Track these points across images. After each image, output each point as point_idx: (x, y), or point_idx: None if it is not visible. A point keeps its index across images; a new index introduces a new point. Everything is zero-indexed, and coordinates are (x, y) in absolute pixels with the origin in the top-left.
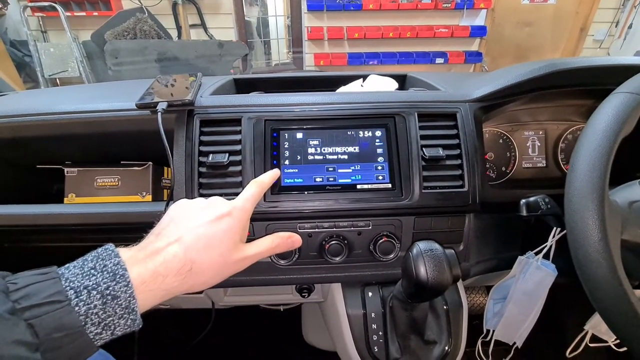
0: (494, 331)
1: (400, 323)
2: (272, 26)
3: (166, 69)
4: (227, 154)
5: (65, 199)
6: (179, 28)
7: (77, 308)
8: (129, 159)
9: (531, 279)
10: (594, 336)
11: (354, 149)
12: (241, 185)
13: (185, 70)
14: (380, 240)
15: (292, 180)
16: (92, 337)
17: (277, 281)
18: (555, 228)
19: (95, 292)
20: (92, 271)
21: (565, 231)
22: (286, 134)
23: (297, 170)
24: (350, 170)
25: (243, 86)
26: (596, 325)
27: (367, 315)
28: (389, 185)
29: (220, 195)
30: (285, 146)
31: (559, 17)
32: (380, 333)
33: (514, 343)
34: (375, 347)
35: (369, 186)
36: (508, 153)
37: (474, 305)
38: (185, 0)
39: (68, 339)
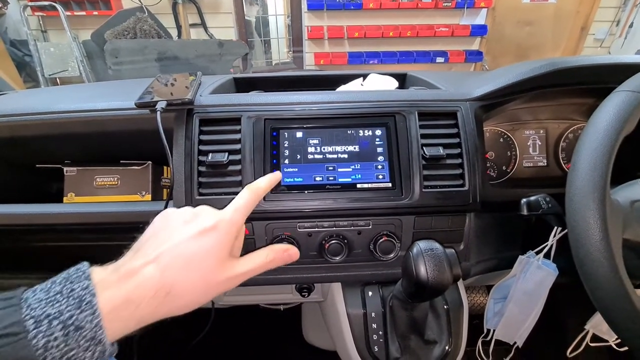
0: (494, 331)
1: (400, 323)
2: (272, 25)
3: (166, 68)
4: (226, 153)
5: (64, 198)
6: (179, 27)
7: (34, 341)
8: (129, 159)
9: (532, 278)
10: (594, 336)
11: (354, 148)
12: (241, 184)
13: (185, 69)
14: (381, 240)
15: (292, 180)
16: None
17: (277, 280)
18: (556, 227)
19: (56, 322)
20: (58, 296)
21: (566, 230)
22: (286, 133)
23: (297, 169)
24: (350, 170)
25: (243, 85)
26: (597, 325)
27: (367, 314)
28: (389, 185)
29: (220, 194)
30: (285, 145)
31: (559, 16)
32: (381, 333)
33: (515, 343)
34: (375, 347)
35: (369, 185)
36: (509, 152)
37: (474, 305)
38: (185, 0)
39: None
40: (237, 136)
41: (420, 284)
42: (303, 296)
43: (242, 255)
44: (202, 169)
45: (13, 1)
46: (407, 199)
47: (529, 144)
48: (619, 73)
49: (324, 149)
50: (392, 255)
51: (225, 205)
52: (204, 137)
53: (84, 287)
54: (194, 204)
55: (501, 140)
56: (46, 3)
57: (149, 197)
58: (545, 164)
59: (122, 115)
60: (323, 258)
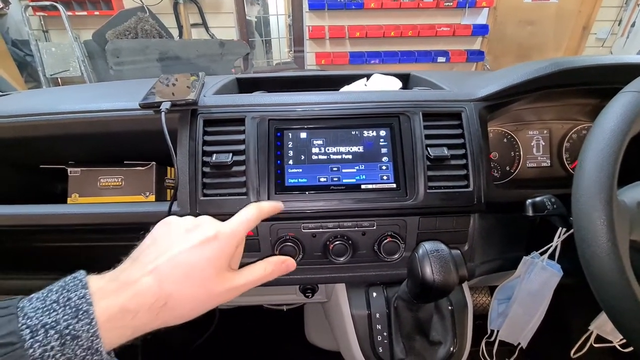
0: (498, 331)
1: (405, 323)
2: (273, 25)
3: (167, 68)
4: (230, 154)
5: (68, 199)
6: (180, 27)
7: (31, 351)
8: (132, 159)
9: (536, 279)
10: (598, 336)
11: (358, 149)
12: (245, 185)
13: (186, 69)
14: (385, 241)
15: (296, 180)
16: None
17: (281, 281)
18: (560, 228)
19: (53, 332)
20: (54, 305)
21: (570, 231)
22: (290, 134)
23: (301, 170)
24: (354, 170)
25: (246, 86)
26: (601, 326)
27: (372, 315)
28: (394, 185)
29: (224, 195)
30: (289, 146)
31: (561, 16)
32: (385, 334)
33: (519, 343)
34: (379, 348)
35: (374, 186)
36: (512, 152)
37: (477, 305)
38: (187, 0)
39: None
40: (241, 137)
41: (426, 285)
42: (307, 297)
43: (241, 266)
44: (206, 169)
45: (14, 1)
46: (412, 200)
47: (532, 144)
48: (624, 73)
49: (328, 149)
50: (396, 256)
51: (230, 206)
52: (208, 138)
53: (81, 296)
54: (199, 204)
55: (505, 140)
56: (47, 3)
57: (152, 197)
58: (549, 164)
59: (126, 115)
60: (327, 259)
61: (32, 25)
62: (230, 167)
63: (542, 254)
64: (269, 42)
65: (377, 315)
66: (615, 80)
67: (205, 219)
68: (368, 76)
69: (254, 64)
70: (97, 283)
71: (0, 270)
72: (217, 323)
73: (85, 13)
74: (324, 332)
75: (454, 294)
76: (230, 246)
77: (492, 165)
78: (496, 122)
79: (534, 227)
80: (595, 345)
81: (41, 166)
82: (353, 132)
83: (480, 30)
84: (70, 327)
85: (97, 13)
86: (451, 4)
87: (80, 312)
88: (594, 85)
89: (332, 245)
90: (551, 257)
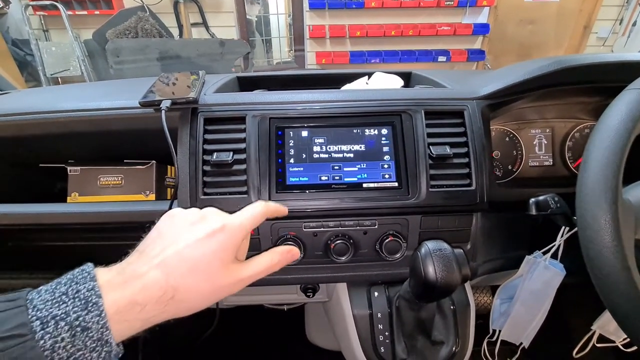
0: (500, 331)
1: (407, 323)
2: (274, 24)
3: (168, 67)
4: (231, 153)
5: (68, 198)
6: (180, 26)
7: (42, 342)
8: (132, 158)
9: (539, 278)
10: (601, 336)
11: (360, 147)
12: (245, 184)
13: (186, 68)
14: (387, 240)
15: (298, 179)
16: None
17: (282, 281)
18: (563, 227)
19: (63, 323)
20: (64, 297)
21: (573, 230)
22: (291, 132)
23: (302, 168)
24: (356, 169)
25: (246, 84)
26: (604, 325)
27: (374, 315)
28: (396, 184)
29: (225, 194)
30: (291, 144)
31: (562, 15)
32: (387, 333)
33: (521, 343)
34: (381, 348)
35: (375, 185)
36: (514, 151)
37: (479, 305)
38: None
39: None
40: (242, 135)
41: (429, 284)
42: (308, 296)
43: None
44: (207, 168)
45: (15, 0)
46: (414, 199)
47: (535, 143)
48: (627, 71)
49: (329, 148)
50: (398, 255)
51: (230, 205)
52: (208, 136)
53: (90, 288)
54: (199, 203)
55: (507, 139)
56: (48, 2)
57: (153, 196)
58: (551, 163)
59: (126, 114)
60: (329, 258)
61: (32, 25)
62: (231, 166)
63: (544, 253)
64: (269, 41)
65: (379, 315)
66: (618, 78)
67: (211, 211)
68: (369, 74)
69: (254, 64)
70: (105, 276)
71: (1, 270)
72: (218, 322)
73: (85, 12)
74: (325, 332)
75: (456, 294)
76: (237, 238)
77: (494, 164)
78: (498, 121)
79: (537, 226)
80: (598, 345)
81: (41, 165)
82: (355, 131)
83: (481, 29)
84: (80, 318)
85: (97, 12)
86: (452, 3)
87: (90, 304)
88: (597, 83)
89: (333, 245)
90: (554, 256)
